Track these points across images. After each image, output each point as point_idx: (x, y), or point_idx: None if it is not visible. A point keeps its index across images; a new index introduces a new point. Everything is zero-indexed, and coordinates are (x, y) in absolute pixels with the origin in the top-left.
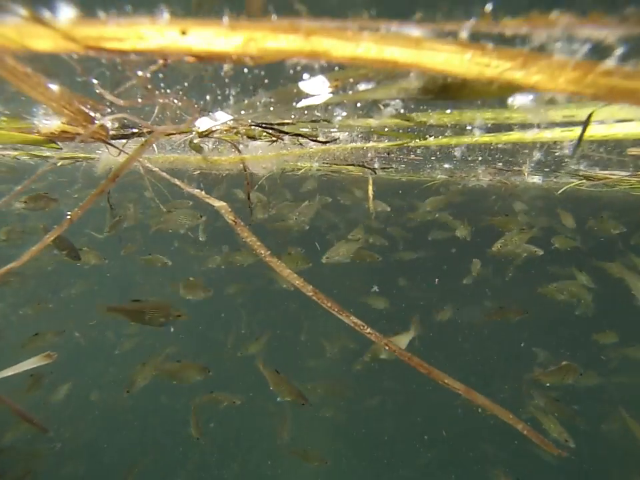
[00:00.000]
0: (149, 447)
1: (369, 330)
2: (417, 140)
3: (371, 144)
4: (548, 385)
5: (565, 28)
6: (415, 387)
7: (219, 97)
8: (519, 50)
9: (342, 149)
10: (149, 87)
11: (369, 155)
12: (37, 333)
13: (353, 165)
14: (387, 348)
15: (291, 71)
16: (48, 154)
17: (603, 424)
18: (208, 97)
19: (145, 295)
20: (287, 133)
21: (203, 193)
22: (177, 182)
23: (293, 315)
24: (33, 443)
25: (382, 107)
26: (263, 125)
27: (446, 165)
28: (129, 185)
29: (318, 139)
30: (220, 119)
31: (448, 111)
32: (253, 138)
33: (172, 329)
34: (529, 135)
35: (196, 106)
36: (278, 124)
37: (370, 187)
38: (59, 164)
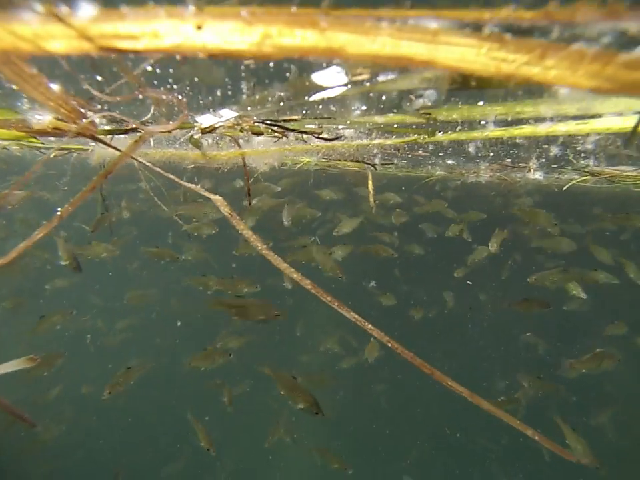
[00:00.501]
0: (143, 442)
1: (369, 326)
2: (426, 136)
3: (377, 141)
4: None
5: (583, 20)
6: (417, 381)
7: (229, 93)
8: (537, 41)
9: (347, 146)
10: (140, 83)
11: (375, 151)
12: (43, 316)
13: (352, 161)
14: (389, 344)
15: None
16: (40, 144)
17: (593, 418)
18: (219, 93)
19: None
20: (292, 130)
21: (199, 186)
22: (171, 177)
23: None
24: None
25: (413, 98)
26: (268, 122)
27: (449, 161)
28: (123, 177)
29: (323, 135)
30: (225, 115)
31: (480, 103)
32: (258, 134)
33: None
34: (542, 129)
35: (201, 102)
36: (283, 120)
37: (370, 182)
38: (52, 155)
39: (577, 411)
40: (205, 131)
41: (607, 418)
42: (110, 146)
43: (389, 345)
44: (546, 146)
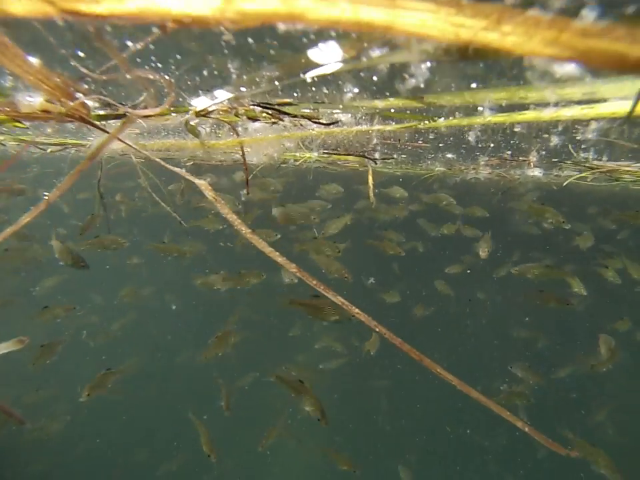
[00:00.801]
0: (141, 440)
1: (357, 310)
2: (427, 122)
3: (377, 127)
4: None
5: None
6: (416, 376)
7: (215, 72)
8: (493, 6)
9: (346, 132)
10: (125, 63)
11: (375, 141)
12: (47, 306)
13: (352, 154)
14: (377, 330)
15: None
16: (39, 139)
17: (590, 417)
18: (205, 72)
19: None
20: (287, 114)
21: (184, 171)
22: (159, 161)
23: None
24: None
25: (407, 77)
26: (263, 105)
27: (449, 155)
28: (122, 175)
29: (320, 120)
30: (219, 97)
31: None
32: (253, 119)
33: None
34: (546, 114)
35: (189, 83)
36: (278, 104)
37: (370, 177)
38: (48, 150)
39: (577, 408)
40: (199, 115)
41: (605, 416)
42: (100, 128)
43: (377, 329)
44: (546, 135)
